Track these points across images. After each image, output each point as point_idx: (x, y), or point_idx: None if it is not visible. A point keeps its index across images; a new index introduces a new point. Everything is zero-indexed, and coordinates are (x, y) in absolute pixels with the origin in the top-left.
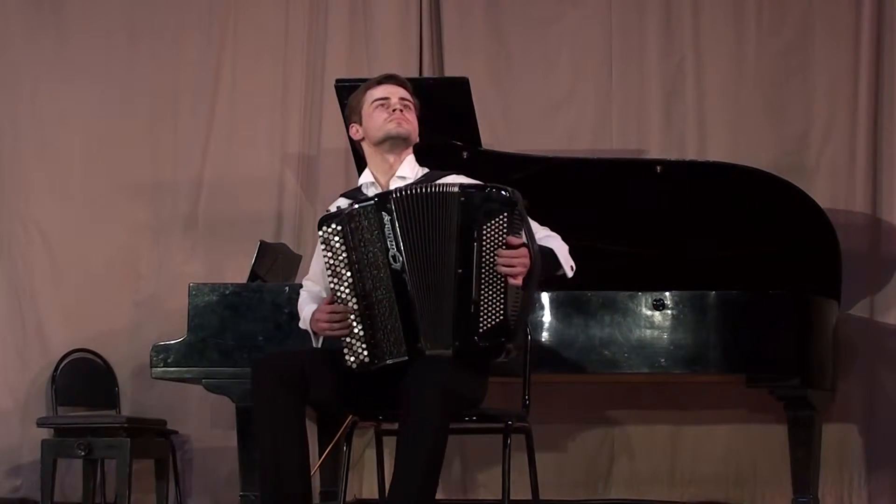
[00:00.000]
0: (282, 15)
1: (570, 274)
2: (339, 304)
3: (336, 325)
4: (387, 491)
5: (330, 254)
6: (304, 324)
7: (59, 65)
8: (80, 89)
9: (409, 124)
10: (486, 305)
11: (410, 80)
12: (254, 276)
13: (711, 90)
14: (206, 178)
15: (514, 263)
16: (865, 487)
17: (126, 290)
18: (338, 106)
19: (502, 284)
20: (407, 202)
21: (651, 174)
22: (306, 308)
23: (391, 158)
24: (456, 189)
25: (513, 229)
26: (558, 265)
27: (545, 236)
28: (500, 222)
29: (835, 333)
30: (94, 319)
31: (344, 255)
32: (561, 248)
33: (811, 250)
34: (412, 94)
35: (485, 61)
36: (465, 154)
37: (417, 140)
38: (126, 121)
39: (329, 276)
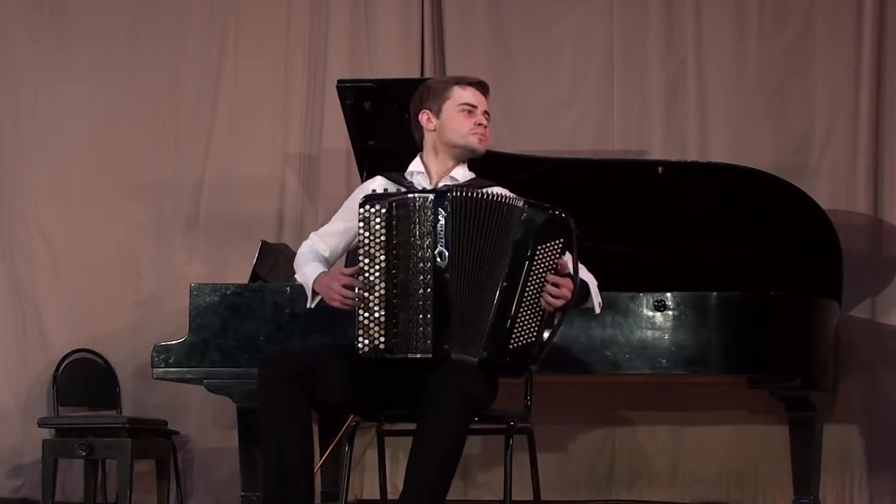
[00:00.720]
0: (283, 15)
1: (597, 311)
2: (365, 283)
3: (349, 302)
4: (388, 492)
5: (368, 234)
6: (302, 278)
7: (61, 65)
8: (82, 90)
9: (487, 141)
10: (521, 324)
11: (412, 80)
12: (255, 276)
13: (713, 91)
14: (208, 179)
15: (560, 293)
16: (867, 488)
17: (127, 290)
18: (339, 106)
19: (541, 307)
20: (466, 204)
21: (652, 175)
22: (310, 265)
23: (451, 163)
24: (521, 203)
25: (565, 255)
26: (588, 297)
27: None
28: (555, 246)
29: (836, 334)
30: (96, 319)
31: (383, 238)
32: (592, 283)
33: (812, 251)
34: None
35: (486, 62)
36: None
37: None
38: (127, 121)
39: (361, 255)
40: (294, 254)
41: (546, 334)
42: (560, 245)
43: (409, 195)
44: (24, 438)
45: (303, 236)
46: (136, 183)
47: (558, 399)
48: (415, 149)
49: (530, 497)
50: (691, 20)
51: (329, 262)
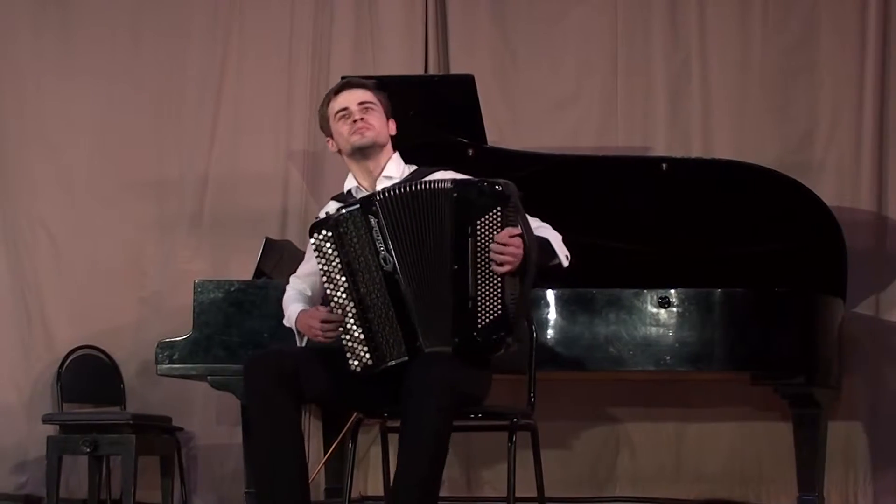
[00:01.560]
0: (287, 13)
1: (565, 263)
2: (337, 309)
3: (331, 334)
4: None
5: (323, 260)
6: (288, 321)
7: (64, 62)
8: (85, 87)
9: (372, 129)
10: (483, 301)
11: (416, 77)
12: (259, 272)
13: (717, 88)
14: (212, 176)
15: (507, 253)
16: (871, 485)
17: (131, 287)
18: None
19: (499, 279)
20: (393, 202)
21: (656, 172)
22: (292, 306)
23: (370, 165)
24: (449, 185)
25: (507, 223)
26: (553, 255)
27: (538, 227)
28: (494, 216)
29: (840, 331)
30: (100, 316)
31: (337, 260)
32: (555, 238)
33: (816, 248)
34: (375, 89)
35: (490, 59)
36: (470, 151)
37: (388, 139)
38: (131, 118)
39: (325, 282)
40: (298, 250)
41: (514, 303)
42: (498, 214)
43: (342, 211)
44: (28, 435)
45: (306, 233)
46: (140, 180)
47: (562, 396)
48: (417, 145)
49: (534, 494)
50: (695, 17)
51: (314, 301)
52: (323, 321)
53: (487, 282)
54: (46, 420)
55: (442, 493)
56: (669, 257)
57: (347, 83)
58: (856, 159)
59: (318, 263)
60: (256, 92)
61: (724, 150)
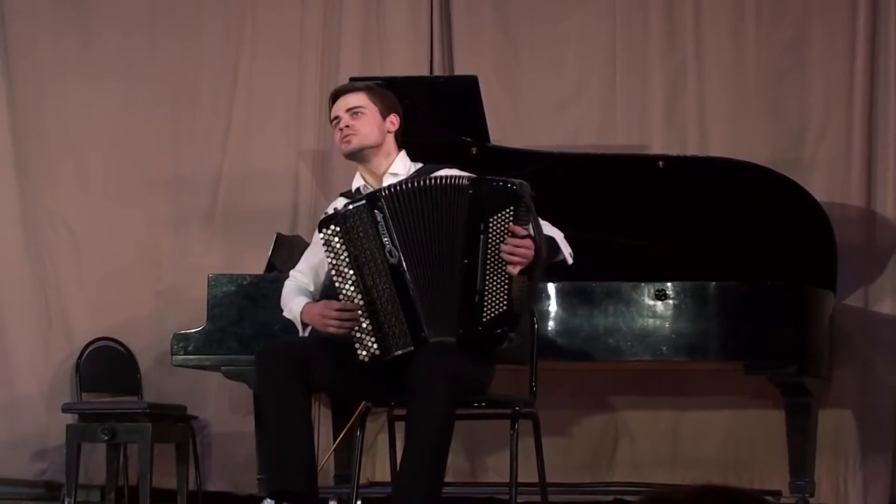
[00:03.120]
0: (297, 16)
1: (570, 260)
2: (346, 301)
3: (347, 325)
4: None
5: (332, 255)
6: (290, 314)
7: (84, 64)
8: (104, 88)
9: (357, 135)
10: (490, 295)
11: (422, 78)
12: (270, 267)
13: (712, 88)
14: (225, 173)
15: (518, 253)
16: (860, 471)
17: (147, 281)
18: None
19: (507, 275)
20: (400, 197)
21: (654, 169)
22: (295, 300)
23: (370, 165)
24: (465, 182)
25: (519, 221)
26: (558, 251)
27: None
28: (507, 215)
29: (830, 323)
30: (117, 309)
31: (345, 254)
32: (558, 235)
33: (808, 242)
34: (367, 89)
35: (493, 60)
36: (474, 150)
37: (381, 139)
38: (148, 117)
39: (333, 276)
40: (308, 245)
41: (520, 300)
42: (511, 212)
43: (350, 207)
44: (48, 424)
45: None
46: (156, 178)
47: (562, 385)
48: (422, 144)
49: (535, 480)
50: (691, 20)
51: (314, 295)
52: (338, 310)
53: (495, 277)
54: (66, 409)
55: (447, 479)
56: (666, 251)
57: (338, 91)
58: (846, 157)
59: (327, 257)
60: (268, 92)
61: (718, 148)
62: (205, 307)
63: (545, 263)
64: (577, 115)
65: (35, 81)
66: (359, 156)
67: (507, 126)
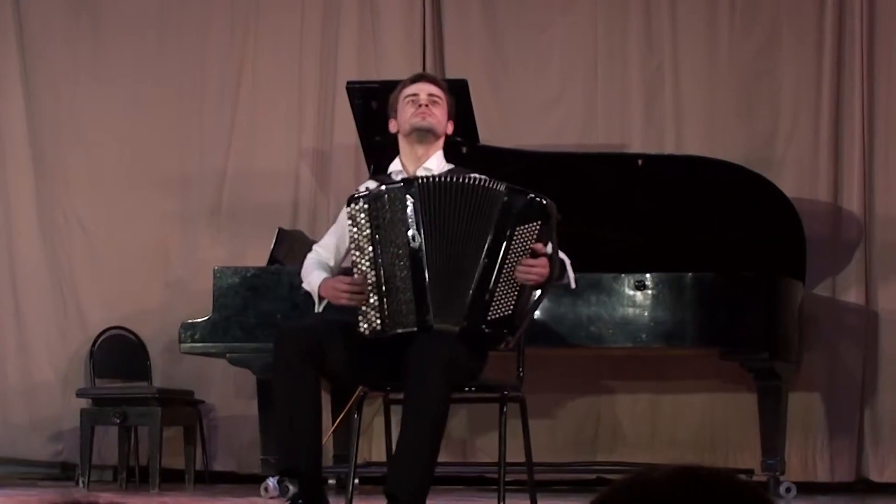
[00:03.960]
0: (297, 22)
1: (573, 286)
2: (360, 276)
3: (357, 297)
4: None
5: (355, 229)
6: (308, 286)
7: (96, 68)
8: (115, 90)
9: (433, 117)
10: (499, 298)
11: None
12: (273, 259)
13: (688, 91)
14: (230, 171)
15: (533, 272)
16: (827, 449)
17: (157, 274)
18: (349, 105)
19: (518, 285)
20: (434, 189)
21: (633, 167)
22: (314, 273)
23: (420, 150)
24: (503, 188)
25: (541, 238)
26: (565, 275)
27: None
28: (532, 228)
29: (800, 311)
30: (128, 300)
31: (368, 230)
32: (566, 261)
33: (779, 235)
34: (445, 91)
35: (482, 64)
36: (464, 149)
37: (445, 133)
38: (156, 118)
39: (353, 249)
40: (308, 239)
41: (524, 309)
42: (537, 227)
43: (383, 188)
44: (63, 408)
45: (316, 224)
46: (165, 175)
47: (548, 370)
48: None
49: (523, 459)
50: (668, 26)
51: (334, 270)
52: (350, 283)
53: (507, 283)
54: (80, 394)
55: (440, 458)
56: (645, 245)
57: (423, 76)
58: (814, 156)
59: (350, 231)
60: (269, 95)
61: (695, 147)
62: (211, 298)
63: (556, 282)
64: (561, 115)
65: (50, 85)
66: (422, 135)
67: (495, 126)
